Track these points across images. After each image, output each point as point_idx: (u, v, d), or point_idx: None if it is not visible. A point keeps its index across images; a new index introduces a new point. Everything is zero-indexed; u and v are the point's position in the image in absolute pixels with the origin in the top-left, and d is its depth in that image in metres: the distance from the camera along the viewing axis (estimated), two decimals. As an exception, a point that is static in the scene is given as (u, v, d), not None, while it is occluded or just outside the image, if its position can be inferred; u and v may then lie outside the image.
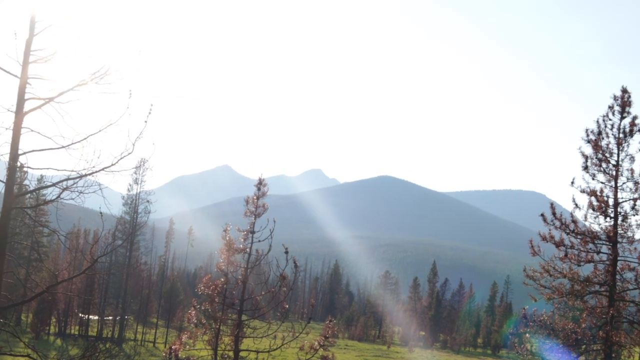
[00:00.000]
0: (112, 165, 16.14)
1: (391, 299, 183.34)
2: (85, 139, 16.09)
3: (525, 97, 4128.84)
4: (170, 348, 22.21)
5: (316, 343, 22.41)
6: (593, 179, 30.85)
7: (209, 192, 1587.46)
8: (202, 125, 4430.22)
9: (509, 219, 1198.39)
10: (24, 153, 16.27)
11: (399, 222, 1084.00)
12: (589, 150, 30.96)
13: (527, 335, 30.00)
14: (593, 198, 30.57)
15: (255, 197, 23.71)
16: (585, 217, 30.77)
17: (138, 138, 16.02)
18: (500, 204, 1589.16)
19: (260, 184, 23.86)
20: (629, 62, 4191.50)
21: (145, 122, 16.00)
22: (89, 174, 16.13)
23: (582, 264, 30.53)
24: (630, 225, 30.16)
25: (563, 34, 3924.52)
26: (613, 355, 30.28)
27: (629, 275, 30.12)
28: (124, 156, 16.17)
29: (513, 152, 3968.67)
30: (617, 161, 30.57)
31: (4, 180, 16.08)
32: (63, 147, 16.17)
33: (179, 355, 22.08)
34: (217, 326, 22.99)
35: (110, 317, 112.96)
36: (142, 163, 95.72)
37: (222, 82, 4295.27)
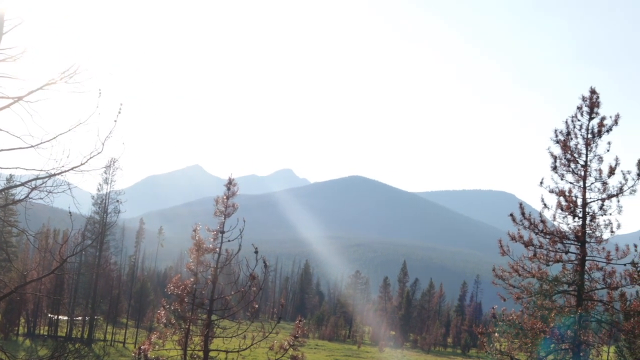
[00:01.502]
0: (82, 164, 16.00)
1: (361, 298, 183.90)
2: (54, 138, 15.94)
3: (496, 97, 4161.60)
4: (140, 348, 22.08)
5: (286, 343, 22.42)
6: (562, 179, 31.08)
7: (179, 191, 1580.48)
8: (173, 124, 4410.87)
9: (479, 219, 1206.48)
10: (-7, 153, 16.08)
11: (369, 222, 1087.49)
12: (557, 150, 31.18)
13: (496, 334, 30.15)
14: (562, 198, 30.80)
15: (225, 197, 23.64)
16: (554, 217, 30.98)
17: (108, 137, 15.90)
18: (470, 204, 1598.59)
19: (230, 183, 23.82)
20: (600, 62, 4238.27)
21: (115, 121, 15.90)
22: (58, 174, 15.99)
23: (550, 263, 30.73)
24: (598, 225, 30.39)
25: (535, 33, 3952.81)
26: (581, 354, 30.51)
27: (597, 274, 30.34)
28: (94, 156, 16.04)
29: (483, 152, 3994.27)
30: (586, 162, 30.80)
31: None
32: (32, 146, 16.00)
33: (148, 355, 21.95)
34: (187, 326, 22.93)
35: (80, 318, 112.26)
36: (112, 163, 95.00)
37: (192, 81, 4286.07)
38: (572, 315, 30.35)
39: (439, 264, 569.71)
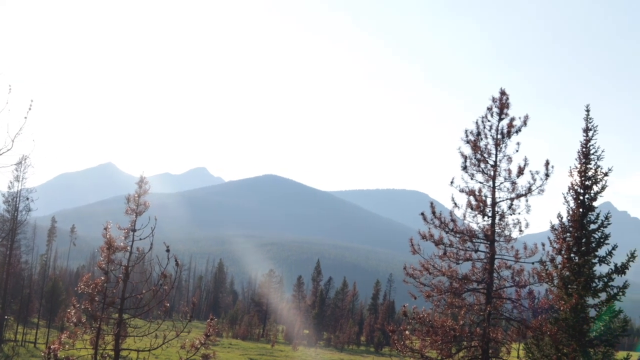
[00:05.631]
0: (-10, 161, 15.56)
1: (275, 297, 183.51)
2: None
3: (409, 98, 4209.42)
4: (49, 348, 21.60)
5: (197, 341, 22.30)
6: (472, 178, 31.48)
7: (93, 190, 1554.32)
8: (85, 121, 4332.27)
9: (392, 218, 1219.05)
10: None
11: (283, 221, 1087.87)
12: (468, 150, 31.57)
13: (407, 332, 30.35)
14: (472, 197, 31.19)
15: (136, 195, 23.34)
16: (464, 216, 31.34)
17: (17, 134, 15.51)
18: (383, 203, 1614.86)
19: (142, 181, 23.54)
20: (514, 62, 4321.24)
21: (25, 118, 15.51)
22: (-36, 170, 15.53)
23: (460, 262, 31.08)
24: (507, 224, 30.87)
25: (448, 34, 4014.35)
26: (490, 351, 30.96)
27: (506, 273, 30.78)
28: (3, 152, 15.64)
29: (397, 152, 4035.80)
30: (495, 162, 31.27)
31: None
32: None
33: (58, 355, 21.51)
34: (98, 325, 22.54)
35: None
36: (23, 160, 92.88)
37: (104, 78, 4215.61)
38: (481, 313, 30.79)
39: (352, 262, 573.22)
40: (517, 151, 30.93)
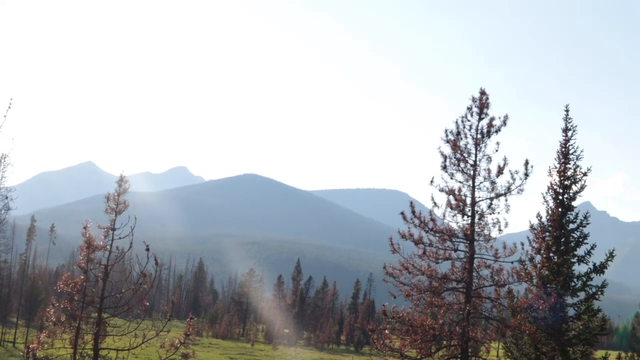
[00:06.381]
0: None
1: (256, 296, 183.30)
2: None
3: (391, 97, 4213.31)
4: (28, 347, 21.49)
5: (177, 341, 22.30)
6: (452, 178, 31.52)
7: (73, 189, 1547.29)
8: (65, 120, 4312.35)
9: (372, 218, 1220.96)
10: None
11: (264, 220, 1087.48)
12: (448, 150, 31.61)
13: (387, 331, 30.35)
14: (451, 197, 31.23)
15: (116, 194, 23.31)
16: (444, 216, 31.36)
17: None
18: (364, 203, 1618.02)
19: (122, 180, 23.48)
20: (493, 61, 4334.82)
21: (5, 116, 15.38)
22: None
23: (440, 261, 31.11)
24: (486, 224, 30.93)
25: (428, 32, 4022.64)
26: (470, 350, 31.02)
27: (485, 272, 30.84)
28: (-19, 151, 15.47)
29: (378, 151, 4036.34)
30: (475, 161, 31.33)
31: None
32: None
33: (37, 354, 21.41)
34: (77, 324, 22.44)
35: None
36: (3, 158, 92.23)
37: (82, 76, 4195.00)
38: (460, 313, 30.84)
39: (333, 262, 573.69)
40: (496, 151, 31.03)
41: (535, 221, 40.89)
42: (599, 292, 39.20)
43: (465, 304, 30.45)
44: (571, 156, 40.25)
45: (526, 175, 30.65)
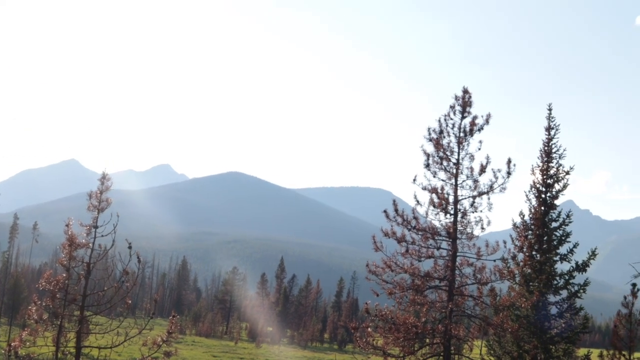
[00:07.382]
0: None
1: (239, 295, 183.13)
2: None
3: (374, 96, 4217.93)
4: (10, 345, 21.39)
5: (159, 338, 22.25)
6: (434, 176, 31.53)
7: (56, 186, 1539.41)
8: (48, 118, 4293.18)
9: (356, 216, 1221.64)
10: None
11: (247, 218, 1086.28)
12: (430, 148, 31.62)
13: (369, 329, 30.34)
14: (434, 195, 31.25)
15: (98, 192, 23.24)
16: (427, 214, 31.37)
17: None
18: (347, 201, 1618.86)
19: (104, 178, 23.39)
20: (477, 60, 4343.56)
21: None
22: None
23: (422, 259, 31.12)
24: (469, 222, 30.96)
25: (412, 30, 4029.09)
26: (452, 348, 31.08)
27: (468, 270, 30.88)
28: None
29: (361, 149, 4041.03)
30: (458, 159, 31.36)
31: None
32: None
33: (19, 352, 21.32)
34: (59, 322, 22.35)
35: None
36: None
37: (65, 74, 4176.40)
38: (443, 311, 30.87)
39: (316, 260, 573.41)
40: (479, 149, 31.08)
41: (518, 219, 41.01)
42: (581, 291, 39.35)
43: (448, 302, 30.48)
44: (554, 155, 40.37)
45: (509, 173, 30.70)
